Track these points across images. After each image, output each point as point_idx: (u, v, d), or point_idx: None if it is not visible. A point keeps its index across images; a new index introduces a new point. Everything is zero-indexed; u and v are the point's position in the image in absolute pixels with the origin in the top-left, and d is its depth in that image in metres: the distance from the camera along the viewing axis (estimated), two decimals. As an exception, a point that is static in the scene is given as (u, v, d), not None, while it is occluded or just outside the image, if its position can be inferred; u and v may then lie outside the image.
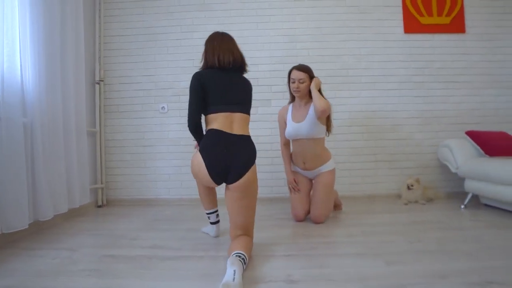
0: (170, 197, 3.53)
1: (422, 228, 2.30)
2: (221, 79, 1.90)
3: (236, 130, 1.86)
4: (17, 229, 2.09)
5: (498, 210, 2.79)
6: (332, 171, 2.61)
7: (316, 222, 2.51)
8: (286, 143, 2.74)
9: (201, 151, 1.82)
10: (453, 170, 3.13)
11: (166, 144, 3.57)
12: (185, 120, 3.52)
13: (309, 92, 2.55)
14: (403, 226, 2.36)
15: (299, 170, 2.70)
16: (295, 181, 2.68)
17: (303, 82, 2.50)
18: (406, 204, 3.14)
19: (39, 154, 2.36)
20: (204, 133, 1.91)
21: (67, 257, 1.85)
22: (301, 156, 2.59)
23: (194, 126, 1.89)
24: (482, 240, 1.97)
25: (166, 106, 3.57)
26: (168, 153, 3.56)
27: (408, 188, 3.17)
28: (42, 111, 2.44)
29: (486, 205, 3.00)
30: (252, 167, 1.85)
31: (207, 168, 1.79)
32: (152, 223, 2.67)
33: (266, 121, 3.52)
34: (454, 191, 3.44)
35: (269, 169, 3.52)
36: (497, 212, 2.71)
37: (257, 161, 3.44)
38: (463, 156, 3.05)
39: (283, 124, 2.71)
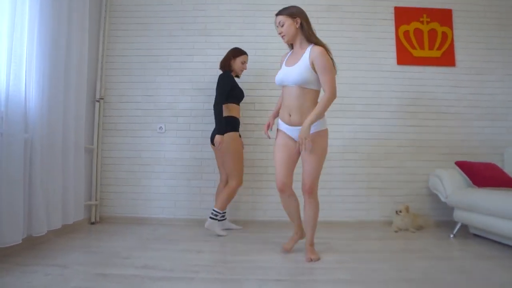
0: (163, 216, 3.55)
1: (410, 256, 2.34)
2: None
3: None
4: (11, 244, 2.11)
5: (487, 240, 2.84)
6: (322, 133, 2.25)
7: (304, 192, 2.31)
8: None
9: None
10: (443, 199, 3.20)
11: (162, 164, 3.61)
12: (181, 141, 3.62)
13: (298, 31, 2.31)
14: (391, 254, 2.41)
15: (285, 127, 2.35)
16: (268, 126, 2.53)
17: (282, 25, 2.30)
18: (396, 231, 3.19)
19: (37, 169, 2.40)
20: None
21: (59, 274, 1.87)
22: (288, 107, 2.29)
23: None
24: (467, 271, 2.02)
25: (163, 126, 3.64)
26: (164, 173, 3.60)
27: (396, 213, 3.23)
28: (43, 128, 2.50)
29: (475, 235, 3.05)
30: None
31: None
32: (144, 242, 2.69)
33: (262, 145, 3.60)
34: (444, 220, 3.49)
35: (264, 193, 3.57)
36: (485, 243, 2.77)
37: (252, 184, 3.53)
38: (453, 186, 3.12)
39: None
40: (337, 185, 3.59)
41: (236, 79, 3.20)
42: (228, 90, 2.99)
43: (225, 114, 2.99)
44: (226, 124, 2.96)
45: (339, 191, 3.58)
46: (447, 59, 3.71)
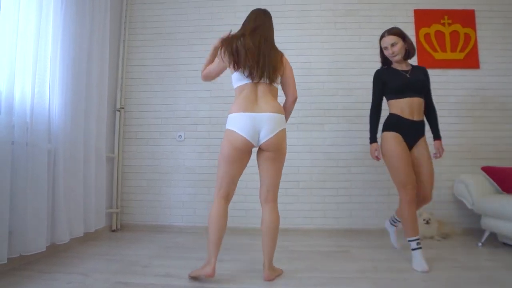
0: (183, 224, 3.56)
1: (436, 266, 2.25)
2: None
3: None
4: (35, 252, 2.15)
5: (517, 249, 2.72)
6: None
7: None
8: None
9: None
10: (469, 206, 3.08)
11: (182, 172, 3.63)
12: (201, 149, 3.62)
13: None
14: (417, 263, 2.32)
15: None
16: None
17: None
18: (421, 239, 3.08)
19: (60, 179, 2.45)
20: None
21: (81, 282, 1.89)
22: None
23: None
24: (498, 282, 1.92)
25: (183, 135, 3.66)
26: (183, 181, 3.62)
27: (427, 222, 3.10)
28: (65, 138, 2.56)
29: (504, 243, 2.91)
30: None
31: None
32: (164, 250, 2.70)
33: (280, 151, 3.56)
34: (471, 227, 3.35)
35: (281, 200, 3.51)
36: (515, 252, 2.64)
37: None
38: (479, 193, 3.01)
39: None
40: (357, 192, 3.51)
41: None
42: (380, 88, 2.56)
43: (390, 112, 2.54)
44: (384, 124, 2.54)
45: (359, 198, 3.51)
46: (471, 61, 3.60)
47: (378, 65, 3.62)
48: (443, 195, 3.50)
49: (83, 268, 2.15)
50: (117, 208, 3.54)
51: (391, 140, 2.41)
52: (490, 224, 2.84)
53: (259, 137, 1.98)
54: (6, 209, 1.94)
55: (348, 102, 3.62)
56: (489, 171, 3.10)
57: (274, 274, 1.99)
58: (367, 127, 3.52)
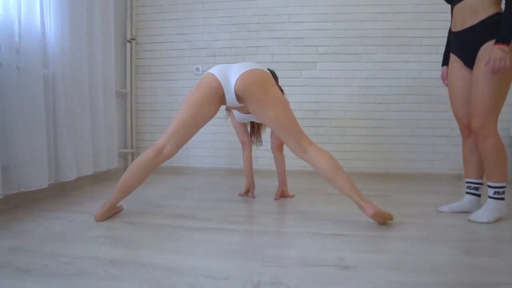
0: (202, 165, 3.31)
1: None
2: None
3: None
4: (36, 188, 1.93)
5: None
6: None
7: None
8: None
9: None
10: (531, 148, 2.65)
11: (200, 109, 3.31)
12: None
13: None
14: (472, 209, 1.97)
15: None
16: None
17: None
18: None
19: (61, 109, 2.17)
20: None
21: (84, 222, 1.66)
22: None
23: None
24: None
25: (200, 68, 3.29)
26: (202, 119, 3.31)
27: None
28: (65, 63, 2.23)
29: None
30: None
31: None
32: (181, 191, 2.46)
33: (311, 86, 3.16)
34: (527, 174, 2.94)
35: (314, 140, 3.17)
36: None
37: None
38: (546, 132, 2.55)
39: None
40: (397, 132, 3.11)
41: None
42: None
43: None
44: None
45: (398, 138, 3.11)
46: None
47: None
48: (498, 136, 3.05)
49: (90, 207, 1.93)
50: (132, 148, 3.31)
51: (450, 64, 1.93)
52: (558, 167, 2.42)
53: (229, 79, 1.78)
54: (-4, 139, 1.69)
55: (389, 28, 3.10)
56: (559, 107, 2.62)
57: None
58: (412, 57, 3.10)
